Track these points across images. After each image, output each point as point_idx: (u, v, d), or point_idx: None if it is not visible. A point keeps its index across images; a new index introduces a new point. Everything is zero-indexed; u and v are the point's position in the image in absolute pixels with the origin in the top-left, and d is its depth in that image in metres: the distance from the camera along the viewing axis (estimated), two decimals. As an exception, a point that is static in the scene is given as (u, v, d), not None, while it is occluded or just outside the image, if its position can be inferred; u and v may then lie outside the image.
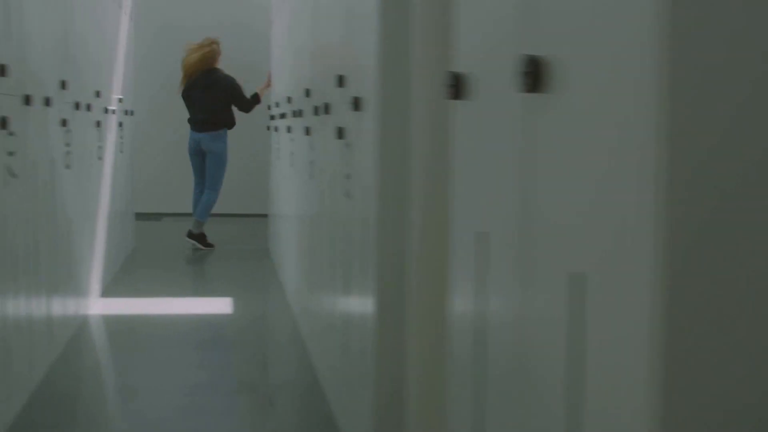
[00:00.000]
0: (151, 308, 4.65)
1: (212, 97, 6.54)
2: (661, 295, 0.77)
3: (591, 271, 0.93)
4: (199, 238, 6.55)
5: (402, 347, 2.24)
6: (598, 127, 0.93)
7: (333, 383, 2.99)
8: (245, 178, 8.64)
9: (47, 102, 3.29)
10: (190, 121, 6.61)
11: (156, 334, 4.10)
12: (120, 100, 5.77)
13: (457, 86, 1.42)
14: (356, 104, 2.42)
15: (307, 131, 3.71)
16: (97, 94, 4.65)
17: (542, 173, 1.11)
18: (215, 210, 8.33)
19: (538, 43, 1.10)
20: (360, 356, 2.45)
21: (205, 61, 6.58)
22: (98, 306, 4.55)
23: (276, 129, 5.70)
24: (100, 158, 4.91)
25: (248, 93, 6.62)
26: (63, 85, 3.63)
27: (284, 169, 5.16)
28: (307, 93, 3.69)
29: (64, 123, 3.67)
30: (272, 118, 6.12)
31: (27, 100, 2.97)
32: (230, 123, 6.69)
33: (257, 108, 6.78)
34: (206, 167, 6.64)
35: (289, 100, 4.63)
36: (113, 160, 5.43)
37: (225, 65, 6.77)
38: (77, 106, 3.98)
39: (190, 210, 7.65)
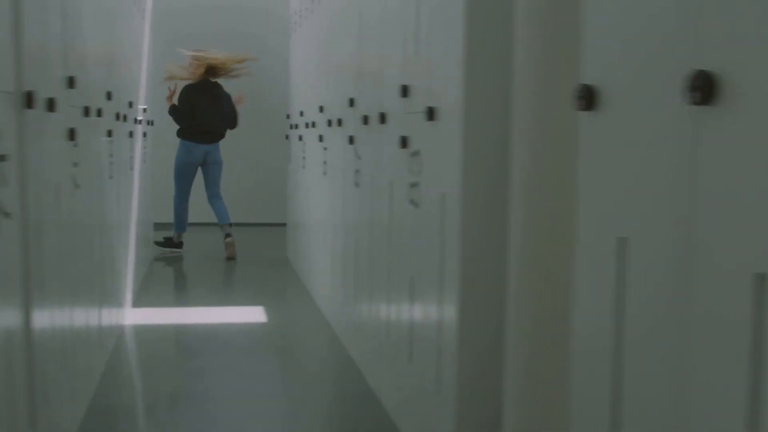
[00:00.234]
0: (184, 317, 4.67)
1: (220, 110, 6.64)
2: None
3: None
4: (232, 244, 6.65)
5: (487, 355, 2.27)
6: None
7: (391, 391, 3.01)
8: (261, 187, 8.68)
9: (99, 113, 3.32)
10: (195, 133, 6.64)
11: (197, 344, 4.11)
12: (144, 110, 5.79)
13: (588, 98, 1.46)
14: (430, 114, 2.46)
15: (351, 140, 3.74)
16: (130, 104, 4.68)
17: (707, 180, 1.15)
18: (234, 220, 8.36)
19: (704, 57, 1.15)
20: (433, 363, 2.48)
21: (225, 68, 6.67)
22: (133, 316, 4.56)
23: (300, 138, 5.72)
24: (131, 168, 4.93)
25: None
26: (109, 96, 3.65)
27: (312, 178, 5.19)
28: (351, 102, 3.73)
29: (109, 134, 3.69)
30: (293, 127, 6.15)
31: (86, 111, 2.99)
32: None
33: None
34: (212, 176, 6.74)
35: (321, 109, 4.66)
36: (139, 169, 5.44)
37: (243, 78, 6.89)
38: (117, 116, 4.00)
39: (204, 220, 7.69)
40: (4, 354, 1.90)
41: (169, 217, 6.90)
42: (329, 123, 4.34)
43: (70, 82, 2.70)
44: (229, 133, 6.87)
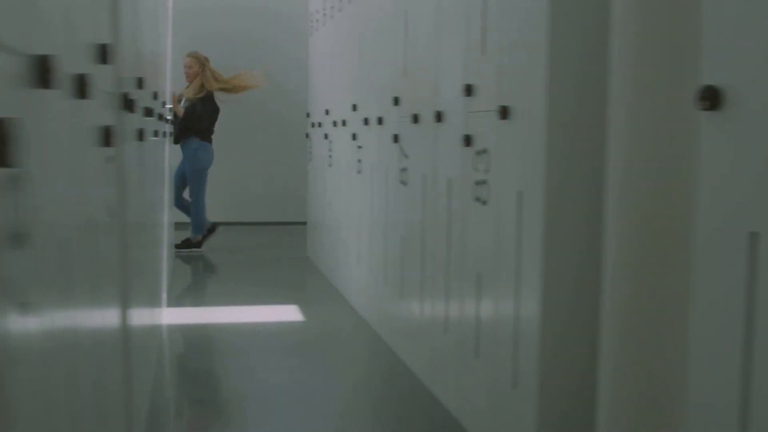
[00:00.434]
0: (220, 317, 4.69)
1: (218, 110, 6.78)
2: None
3: None
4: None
5: (569, 350, 2.32)
6: None
7: (450, 387, 3.05)
8: (276, 186, 8.71)
9: (149, 113, 3.34)
10: (209, 133, 6.75)
11: (239, 342, 4.13)
12: (170, 110, 5.81)
13: (712, 98, 1.50)
14: (503, 113, 2.50)
15: (396, 138, 3.77)
16: (163, 104, 4.70)
17: None
18: (248, 219, 8.43)
19: None
20: (509, 358, 2.52)
21: (235, 90, 6.85)
22: (170, 315, 4.58)
23: (326, 136, 5.75)
24: (162, 168, 4.95)
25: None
26: (155, 96, 3.67)
27: (342, 176, 5.21)
28: (396, 101, 3.76)
29: (155, 134, 3.71)
30: (316, 125, 6.17)
31: (148, 112, 3.02)
32: None
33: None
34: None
35: (354, 107, 4.69)
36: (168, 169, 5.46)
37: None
38: (154, 115, 4.02)
39: (227, 219, 7.72)
40: (109, 349, 1.93)
41: (180, 217, 6.90)
42: (365, 121, 4.37)
43: (140, 83, 2.73)
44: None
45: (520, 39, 2.44)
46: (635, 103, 1.88)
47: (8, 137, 0.74)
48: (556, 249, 2.30)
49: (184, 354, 4.04)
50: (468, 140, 2.82)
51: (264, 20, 8.61)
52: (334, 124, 5.38)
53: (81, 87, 1.39)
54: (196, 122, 6.63)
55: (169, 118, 5.39)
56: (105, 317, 1.85)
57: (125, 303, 2.11)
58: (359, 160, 4.66)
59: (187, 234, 6.92)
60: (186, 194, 6.90)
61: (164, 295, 4.67)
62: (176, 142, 6.63)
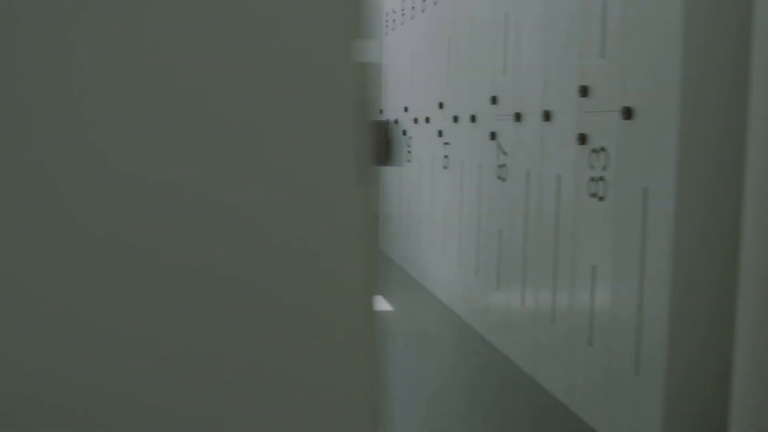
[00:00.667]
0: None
1: None
2: None
3: None
4: None
5: (692, 338, 2.45)
6: None
7: (559, 376, 3.20)
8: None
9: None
10: None
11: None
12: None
13: None
14: (627, 113, 2.64)
15: (493, 136, 3.92)
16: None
17: None
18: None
19: None
20: (631, 345, 2.66)
21: None
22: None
23: (404, 133, 5.91)
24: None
25: None
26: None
27: (424, 172, 5.37)
28: (494, 100, 3.91)
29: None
30: (393, 122, 6.34)
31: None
32: None
33: None
34: None
35: (440, 105, 4.84)
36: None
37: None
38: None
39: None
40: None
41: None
42: (455, 119, 4.52)
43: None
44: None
45: (648, 43, 2.57)
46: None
47: (392, 138, 0.90)
48: (685, 243, 2.43)
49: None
50: (583, 139, 2.96)
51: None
52: (415, 121, 5.53)
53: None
54: None
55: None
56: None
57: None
58: (446, 156, 4.81)
59: None
60: None
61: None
62: None
